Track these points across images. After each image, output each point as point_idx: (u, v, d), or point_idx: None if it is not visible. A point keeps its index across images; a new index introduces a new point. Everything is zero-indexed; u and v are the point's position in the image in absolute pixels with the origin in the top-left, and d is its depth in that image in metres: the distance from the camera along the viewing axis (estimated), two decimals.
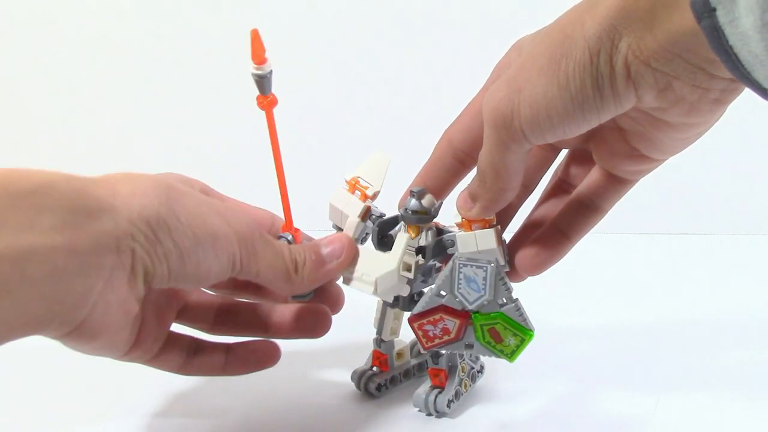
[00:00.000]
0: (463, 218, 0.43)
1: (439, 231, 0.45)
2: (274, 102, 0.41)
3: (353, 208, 0.46)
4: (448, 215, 0.45)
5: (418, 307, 0.42)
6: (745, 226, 0.82)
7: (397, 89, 0.88)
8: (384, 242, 0.46)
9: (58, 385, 0.52)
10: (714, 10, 0.29)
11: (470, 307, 0.41)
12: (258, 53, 0.39)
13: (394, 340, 0.49)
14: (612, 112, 0.35)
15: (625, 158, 0.41)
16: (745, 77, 0.30)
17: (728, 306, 0.62)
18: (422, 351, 0.44)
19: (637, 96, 0.34)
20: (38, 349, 0.53)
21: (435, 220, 0.45)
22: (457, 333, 0.42)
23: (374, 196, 0.47)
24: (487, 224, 0.43)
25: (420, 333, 0.42)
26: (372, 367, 0.49)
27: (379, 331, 0.48)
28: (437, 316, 0.42)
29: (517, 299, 0.41)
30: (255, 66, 0.39)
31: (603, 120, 0.36)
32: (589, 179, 0.44)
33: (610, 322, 0.59)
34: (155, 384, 0.49)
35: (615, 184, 0.42)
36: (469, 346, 0.42)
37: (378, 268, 0.43)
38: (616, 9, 0.33)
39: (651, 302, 0.63)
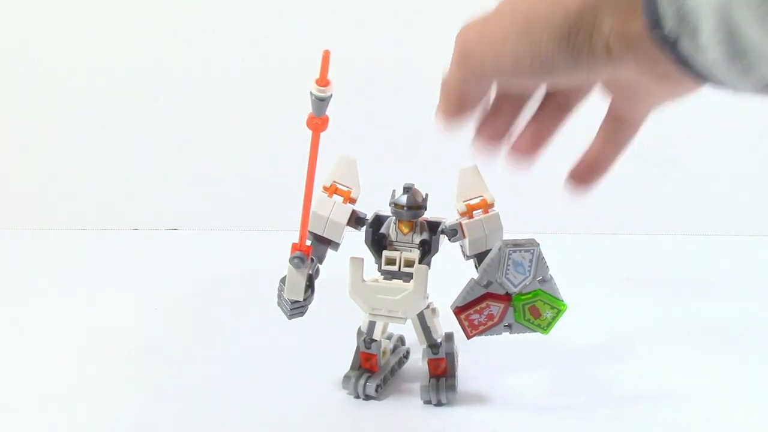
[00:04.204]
0: (464, 204, 0.45)
1: (429, 223, 0.46)
2: (324, 124, 0.40)
3: (340, 212, 0.46)
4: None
5: (462, 299, 0.43)
6: (744, 227, 0.88)
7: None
8: (377, 241, 0.47)
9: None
10: (676, 42, 0.27)
11: (514, 290, 0.43)
12: (325, 75, 0.38)
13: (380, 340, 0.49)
14: (583, 79, 0.34)
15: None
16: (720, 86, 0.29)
17: (726, 305, 0.65)
18: (437, 341, 0.46)
19: (616, 71, 0.32)
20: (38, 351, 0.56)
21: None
22: (500, 317, 0.43)
23: (356, 198, 0.47)
24: (488, 208, 0.45)
25: (466, 323, 0.43)
26: (360, 368, 0.49)
27: (369, 332, 0.48)
28: (483, 305, 0.43)
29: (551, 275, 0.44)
30: (318, 88, 0.38)
31: (572, 82, 0.35)
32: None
33: (608, 320, 0.61)
34: (150, 388, 0.49)
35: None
36: (508, 327, 0.44)
37: (403, 303, 0.45)
38: None
39: (649, 302, 0.66)
